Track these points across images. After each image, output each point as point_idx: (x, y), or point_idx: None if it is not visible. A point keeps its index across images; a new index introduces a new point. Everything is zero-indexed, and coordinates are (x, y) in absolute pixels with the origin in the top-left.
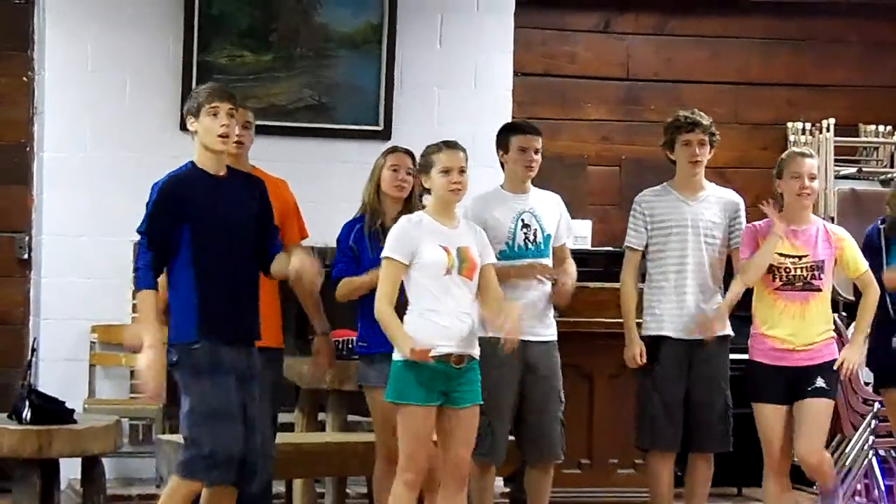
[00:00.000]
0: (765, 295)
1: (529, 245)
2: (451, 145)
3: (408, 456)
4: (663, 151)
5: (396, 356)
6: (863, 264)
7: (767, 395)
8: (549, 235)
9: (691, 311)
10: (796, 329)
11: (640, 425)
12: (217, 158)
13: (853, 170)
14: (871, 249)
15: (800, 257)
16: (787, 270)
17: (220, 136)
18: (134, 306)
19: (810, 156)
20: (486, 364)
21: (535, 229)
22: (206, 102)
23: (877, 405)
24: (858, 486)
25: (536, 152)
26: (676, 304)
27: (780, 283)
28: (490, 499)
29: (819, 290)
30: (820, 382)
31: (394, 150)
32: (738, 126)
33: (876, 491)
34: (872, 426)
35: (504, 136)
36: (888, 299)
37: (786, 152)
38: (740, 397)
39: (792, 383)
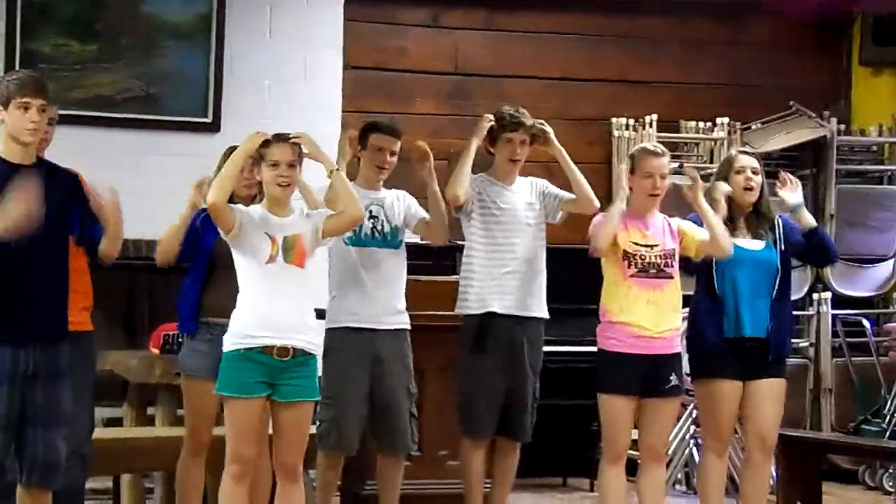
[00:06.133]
0: (619, 283)
1: (376, 234)
2: (280, 138)
3: (232, 448)
4: (483, 144)
5: (226, 348)
6: (700, 233)
7: (620, 386)
8: (396, 227)
9: (514, 291)
10: (652, 315)
11: (461, 413)
12: (24, 150)
13: (675, 165)
14: None
15: (651, 246)
16: (642, 258)
17: (28, 129)
18: None
19: (662, 154)
20: (332, 356)
21: (382, 220)
22: (17, 95)
23: None
24: (679, 475)
25: (392, 154)
26: (499, 283)
27: (636, 269)
28: (332, 490)
29: (671, 277)
30: (674, 380)
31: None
32: (564, 121)
33: (696, 479)
34: (693, 416)
35: (366, 132)
36: (715, 280)
37: (637, 148)
38: (557, 388)
39: (647, 375)
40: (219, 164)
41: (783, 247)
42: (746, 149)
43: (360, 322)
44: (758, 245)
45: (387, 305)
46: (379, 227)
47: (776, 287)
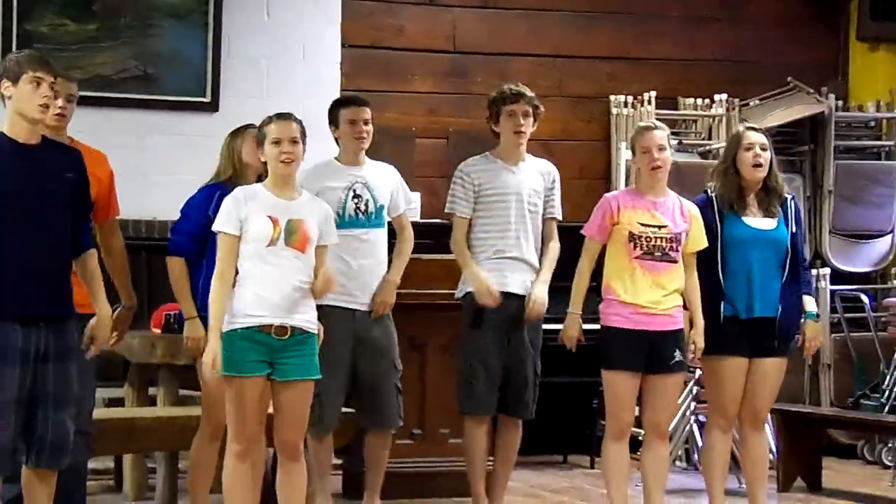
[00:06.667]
0: (624, 264)
1: (360, 215)
2: (283, 116)
3: (234, 427)
4: (488, 125)
5: (225, 328)
6: (702, 242)
7: (625, 363)
8: (381, 206)
9: (512, 271)
10: (655, 297)
11: (461, 390)
12: (31, 129)
13: (674, 142)
14: (704, 224)
15: (659, 227)
16: (648, 240)
17: (40, 105)
18: None
19: (657, 128)
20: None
21: (367, 200)
22: (28, 69)
23: (698, 372)
24: (680, 452)
25: (366, 123)
26: (497, 267)
27: (641, 252)
28: (327, 469)
29: (675, 261)
30: (678, 356)
31: (246, 127)
32: (562, 99)
33: (696, 455)
34: (694, 392)
35: (333, 111)
36: (720, 264)
37: (636, 126)
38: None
39: (651, 351)
40: (221, 152)
41: (794, 228)
42: (753, 124)
43: (344, 301)
44: (770, 224)
45: (370, 283)
46: (363, 207)
47: (787, 267)
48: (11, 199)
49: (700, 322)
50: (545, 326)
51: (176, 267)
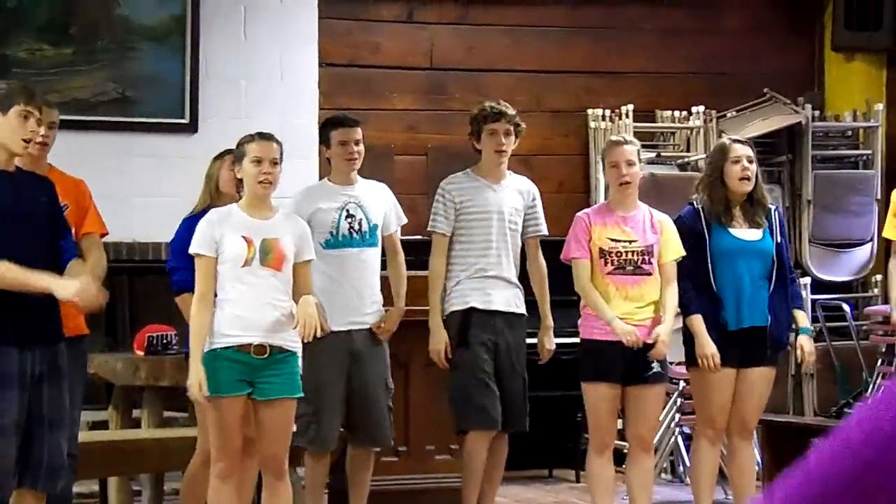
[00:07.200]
0: (598, 279)
1: (354, 235)
2: (264, 136)
3: (217, 447)
4: (470, 141)
5: (205, 349)
6: (674, 252)
7: (605, 375)
8: (375, 225)
9: (494, 289)
10: (628, 309)
11: (461, 408)
12: (9, 157)
13: (652, 154)
14: (691, 234)
15: (630, 241)
16: (619, 255)
17: (24, 139)
18: None
19: (626, 142)
20: (310, 353)
21: (360, 219)
22: (20, 101)
23: (682, 384)
24: (665, 464)
25: (357, 143)
26: (480, 285)
27: (612, 267)
28: (320, 488)
29: (650, 274)
30: (656, 367)
31: (229, 152)
32: (540, 114)
33: (681, 468)
34: (678, 404)
35: (324, 131)
36: (711, 275)
37: (606, 141)
38: (543, 380)
39: (629, 362)
40: (207, 173)
41: (779, 238)
42: (736, 136)
43: (337, 322)
44: (756, 235)
45: (364, 303)
46: (356, 227)
47: (774, 277)
48: (5, 223)
49: (667, 325)
50: (529, 341)
51: (184, 303)
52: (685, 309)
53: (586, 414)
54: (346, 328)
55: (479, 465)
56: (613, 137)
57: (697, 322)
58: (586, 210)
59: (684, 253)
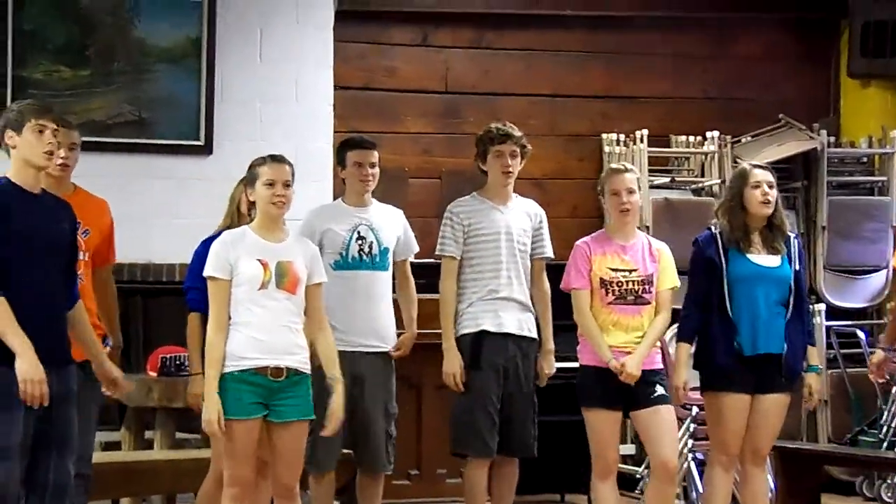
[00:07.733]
0: (598, 308)
1: (364, 257)
2: (276, 158)
3: (230, 471)
4: (475, 163)
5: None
6: (671, 281)
7: (602, 400)
8: (386, 248)
9: (505, 311)
10: (630, 339)
11: (460, 432)
12: (36, 175)
13: (666, 179)
14: (703, 259)
15: (630, 271)
16: (620, 284)
17: (45, 152)
18: None
19: (627, 171)
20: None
21: (371, 241)
22: (32, 118)
23: (695, 409)
24: (678, 490)
25: (373, 166)
26: (491, 307)
27: (613, 297)
28: None
29: (650, 303)
30: (660, 390)
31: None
32: (555, 138)
33: (694, 493)
34: (691, 430)
35: (341, 151)
36: (728, 300)
37: (606, 169)
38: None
39: (629, 389)
40: (231, 195)
41: (797, 266)
42: (755, 161)
43: (343, 345)
44: (774, 261)
45: (371, 327)
46: (366, 249)
47: (791, 304)
48: (24, 240)
49: (640, 353)
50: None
51: (192, 323)
52: (678, 333)
53: (588, 440)
54: (349, 349)
55: (481, 491)
56: (614, 165)
57: (682, 350)
58: (585, 238)
59: (678, 283)
